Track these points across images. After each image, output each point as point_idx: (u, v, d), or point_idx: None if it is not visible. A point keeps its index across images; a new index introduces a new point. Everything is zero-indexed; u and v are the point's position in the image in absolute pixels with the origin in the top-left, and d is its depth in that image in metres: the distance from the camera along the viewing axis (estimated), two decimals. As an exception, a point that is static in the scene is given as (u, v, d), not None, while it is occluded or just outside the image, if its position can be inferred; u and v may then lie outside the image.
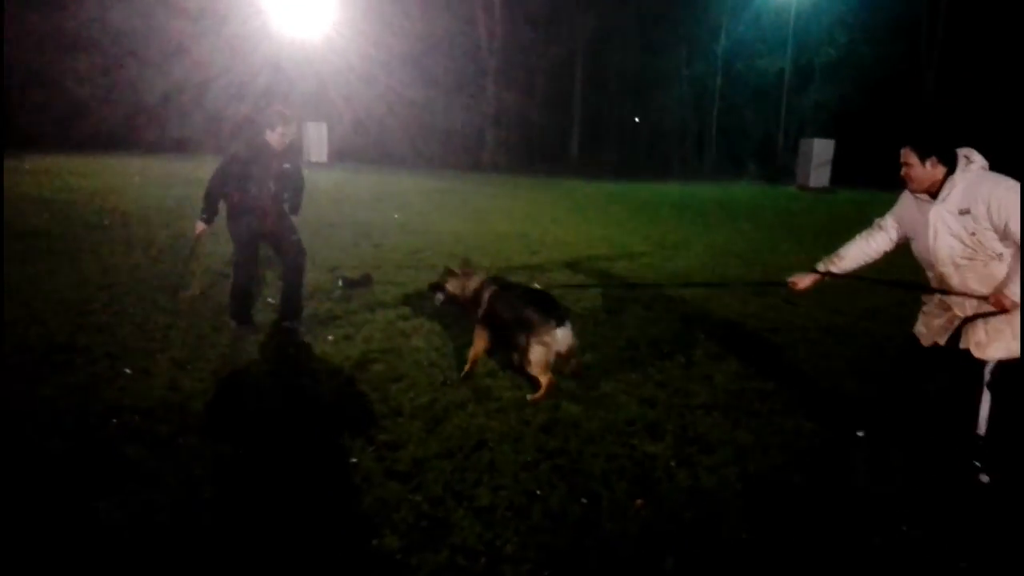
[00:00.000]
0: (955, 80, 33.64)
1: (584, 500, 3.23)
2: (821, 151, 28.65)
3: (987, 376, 3.39)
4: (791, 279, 3.93)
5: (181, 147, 27.66)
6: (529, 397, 4.38)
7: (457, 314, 6.27)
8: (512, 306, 4.58)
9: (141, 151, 26.49)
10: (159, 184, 16.29)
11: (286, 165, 5.60)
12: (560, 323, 4.42)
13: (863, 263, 3.83)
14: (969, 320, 3.42)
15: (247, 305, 5.79)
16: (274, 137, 5.45)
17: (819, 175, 28.55)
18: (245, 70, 28.86)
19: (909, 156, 3.41)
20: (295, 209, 5.92)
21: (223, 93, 27.90)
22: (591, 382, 4.70)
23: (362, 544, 2.84)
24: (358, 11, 30.92)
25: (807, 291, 3.93)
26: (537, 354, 4.36)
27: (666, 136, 42.00)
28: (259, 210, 5.46)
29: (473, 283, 4.93)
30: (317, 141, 29.75)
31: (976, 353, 3.40)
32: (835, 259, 3.86)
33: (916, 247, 3.60)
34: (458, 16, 34.76)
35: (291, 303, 5.80)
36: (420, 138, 34.51)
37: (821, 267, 3.88)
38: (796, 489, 3.45)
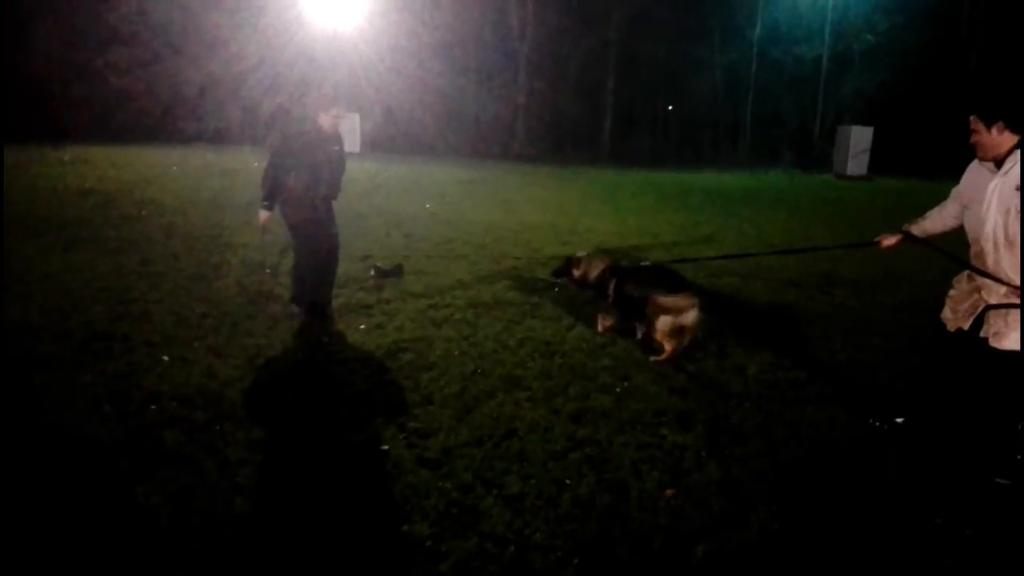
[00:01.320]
0: (999, 64, 32.69)
1: (613, 490, 3.22)
2: (859, 139, 28.04)
3: None
4: (879, 237, 4.00)
5: (218, 138, 28.06)
6: (652, 359, 4.91)
7: (488, 304, 6.31)
8: (642, 285, 5.11)
9: (179, 142, 26.93)
10: (196, 175, 16.56)
11: (335, 147, 5.53)
12: (687, 298, 4.88)
13: (940, 230, 3.78)
14: (992, 308, 3.35)
15: (328, 291, 5.84)
16: (328, 120, 5.40)
17: (857, 163, 27.95)
18: (280, 61, 29.13)
19: (976, 123, 3.31)
20: (335, 195, 5.78)
21: (259, 85, 28.20)
22: (622, 372, 4.69)
23: (393, 530, 2.87)
24: (390, 1, 30.98)
25: (892, 248, 3.97)
26: (663, 324, 4.84)
27: (699, 124, 41.43)
28: (315, 196, 5.42)
29: (596, 269, 5.51)
30: (349, 131, 29.82)
31: (993, 342, 3.32)
32: (918, 220, 3.87)
33: (968, 218, 3.48)
34: (489, 4, 34.64)
35: (313, 291, 5.74)
36: (451, 127, 34.53)
37: (905, 226, 3.91)
38: (829, 481, 3.41)
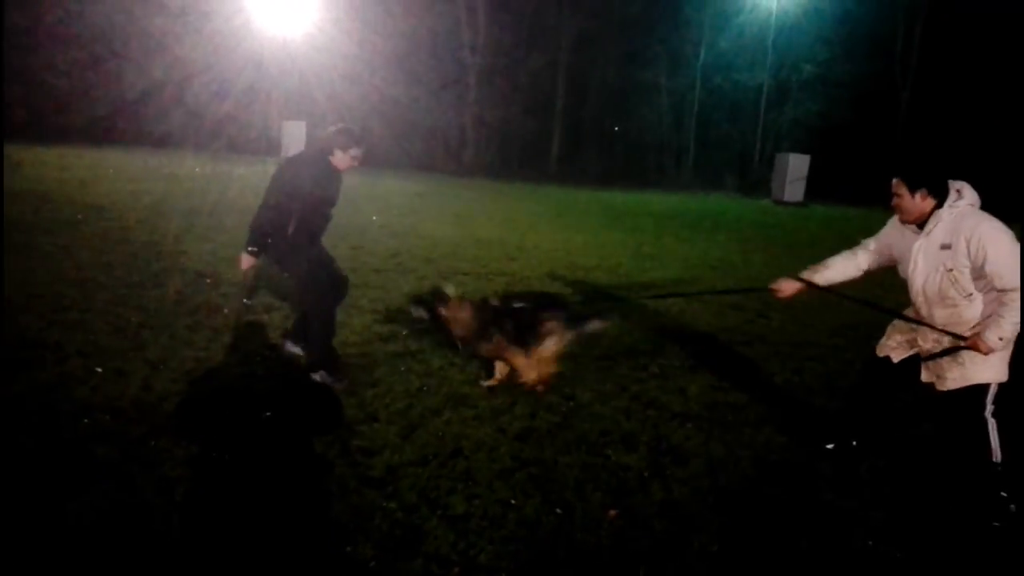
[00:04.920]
0: (929, 100, 34.35)
1: (558, 510, 3.25)
2: (796, 166, 29.00)
3: (988, 405, 3.45)
4: (773, 285, 3.97)
5: (161, 143, 27.37)
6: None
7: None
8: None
9: (120, 146, 26.17)
10: (135, 179, 16.09)
11: (335, 191, 4.82)
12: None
13: (844, 279, 3.88)
14: (926, 360, 3.57)
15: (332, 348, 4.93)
16: (344, 160, 4.66)
17: (794, 190, 28.88)
18: (227, 67, 28.64)
19: (899, 187, 3.46)
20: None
21: (204, 90, 27.66)
22: (568, 391, 4.73)
23: (336, 551, 2.83)
24: (341, 9, 30.80)
25: (788, 299, 3.98)
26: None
27: (645, 146, 42.26)
28: (314, 242, 4.79)
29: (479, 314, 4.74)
30: (296, 139, 29.63)
31: (939, 386, 3.52)
32: (819, 268, 3.91)
33: (900, 271, 3.67)
34: (442, 15, 34.77)
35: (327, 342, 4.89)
36: (403, 138, 34.42)
37: (805, 275, 3.93)
38: (767, 502, 3.50)
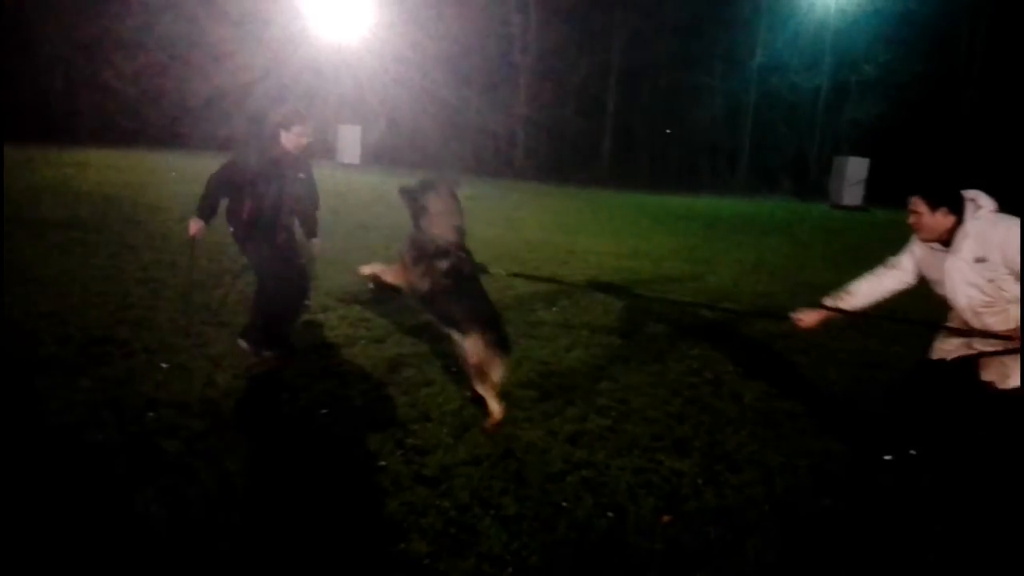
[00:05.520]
0: (994, 99, 33.12)
1: (610, 513, 3.24)
2: (855, 169, 28.32)
3: None
4: (795, 314, 3.93)
5: (223, 147, 28.18)
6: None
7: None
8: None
9: (183, 150, 26.99)
10: (197, 181, 16.50)
11: (301, 175, 4.91)
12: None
13: (874, 302, 3.84)
14: (988, 355, 3.48)
15: (286, 331, 5.10)
16: (290, 139, 4.74)
17: (853, 193, 28.20)
18: (285, 73, 29.37)
19: (919, 205, 3.45)
20: (312, 232, 5.20)
21: (265, 95, 28.40)
22: (620, 395, 4.70)
23: (390, 548, 2.87)
24: (394, 14, 31.27)
25: (813, 328, 3.93)
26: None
27: (698, 149, 41.77)
28: (273, 227, 4.84)
29: (447, 224, 4.28)
30: (351, 143, 30.25)
31: (1001, 385, 3.43)
32: (844, 295, 3.87)
33: (936, 290, 3.62)
34: (492, 16, 34.99)
35: (273, 326, 5.01)
36: (453, 140, 34.74)
37: (829, 302, 3.88)
38: (824, 512, 3.43)
